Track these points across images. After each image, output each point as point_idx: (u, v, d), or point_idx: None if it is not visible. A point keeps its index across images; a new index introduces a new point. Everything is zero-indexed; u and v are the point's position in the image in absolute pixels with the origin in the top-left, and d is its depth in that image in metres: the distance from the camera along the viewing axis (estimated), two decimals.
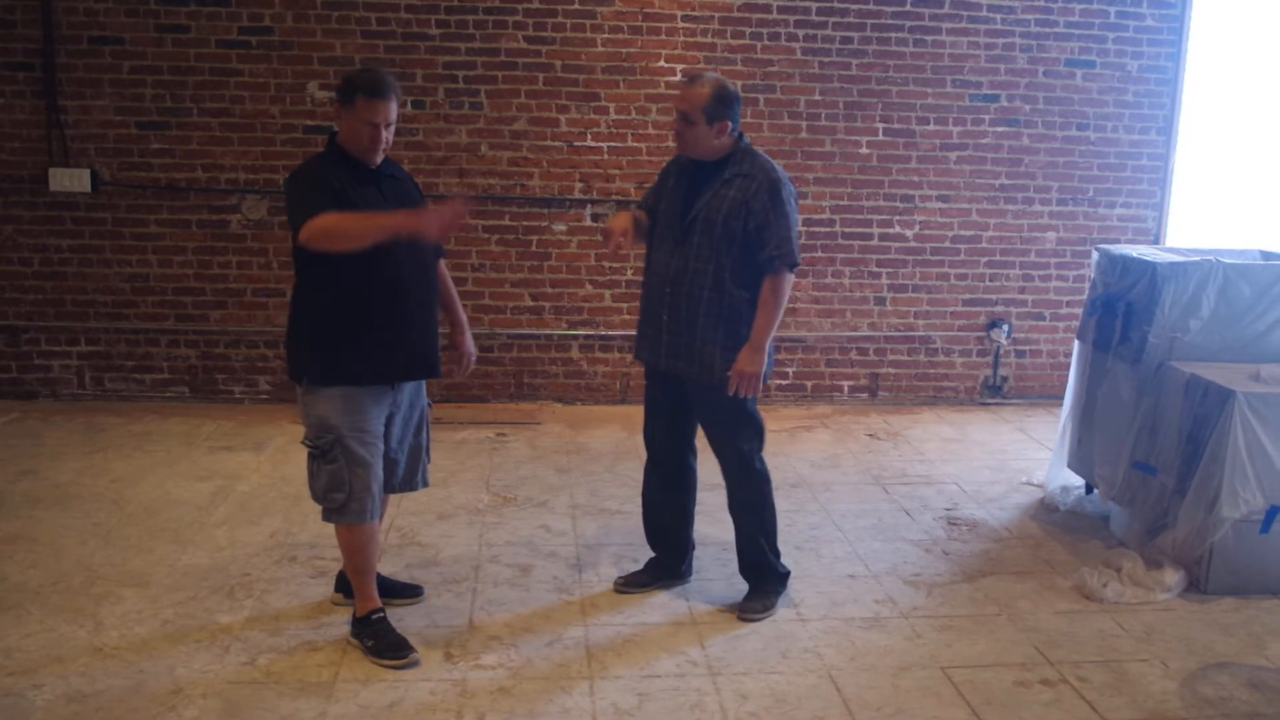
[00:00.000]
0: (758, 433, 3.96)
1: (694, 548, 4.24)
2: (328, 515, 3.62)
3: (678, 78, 6.43)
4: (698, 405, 3.98)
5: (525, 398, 6.76)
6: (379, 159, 3.52)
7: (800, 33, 6.52)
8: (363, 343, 3.47)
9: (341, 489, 3.53)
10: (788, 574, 4.13)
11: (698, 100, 3.71)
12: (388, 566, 4.16)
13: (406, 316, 3.55)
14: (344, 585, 3.90)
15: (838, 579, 4.33)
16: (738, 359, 3.76)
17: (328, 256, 3.33)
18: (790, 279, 3.80)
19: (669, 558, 4.19)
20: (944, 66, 6.65)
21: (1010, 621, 3.99)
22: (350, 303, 3.44)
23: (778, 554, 4.08)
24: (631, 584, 4.16)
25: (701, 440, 4.07)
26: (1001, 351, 7.02)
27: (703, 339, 3.80)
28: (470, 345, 3.97)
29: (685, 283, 3.79)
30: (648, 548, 4.25)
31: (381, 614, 3.65)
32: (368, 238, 3.30)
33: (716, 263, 3.75)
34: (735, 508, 4.04)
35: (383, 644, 3.58)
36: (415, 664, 3.55)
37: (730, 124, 3.75)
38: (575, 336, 6.74)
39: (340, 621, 3.80)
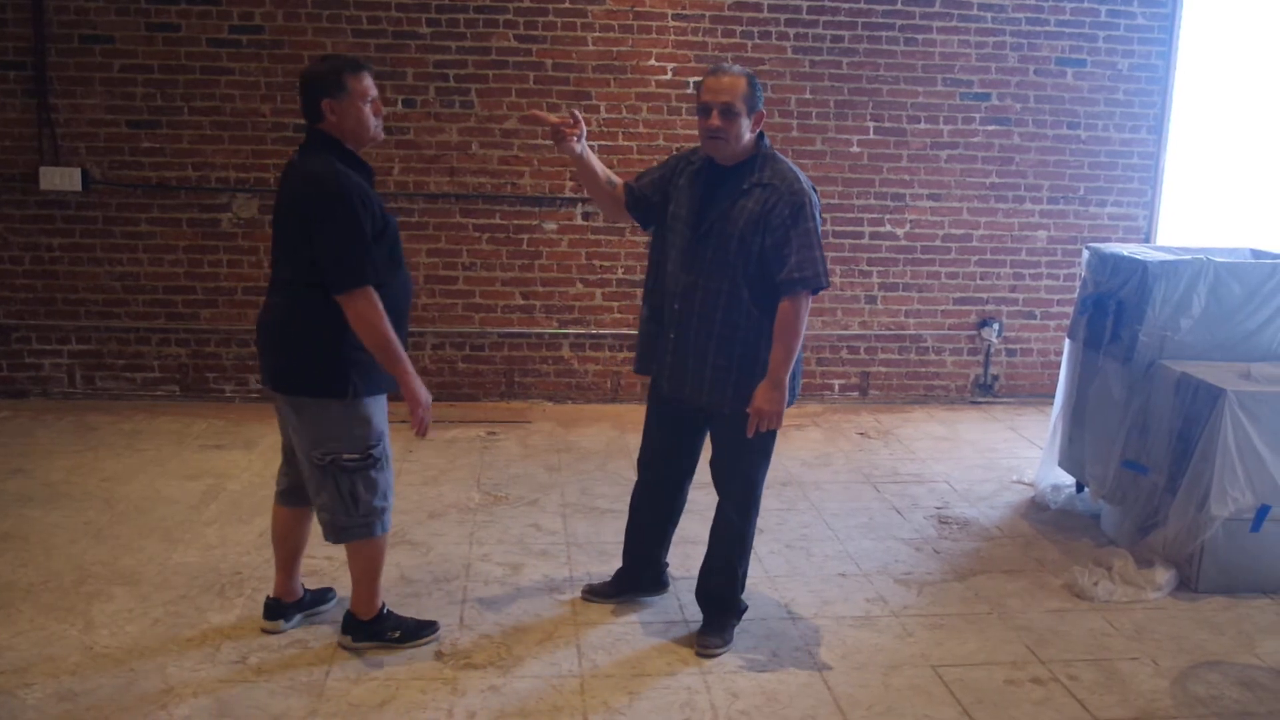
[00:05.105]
0: (768, 463, 3.71)
1: (667, 565, 4.12)
2: (361, 531, 3.48)
3: (669, 76, 6.43)
4: (713, 431, 3.71)
5: (516, 396, 6.76)
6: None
7: (791, 31, 6.52)
8: None
9: (388, 495, 3.52)
10: (746, 609, 3.83)
11: (739, 89, 3.39)
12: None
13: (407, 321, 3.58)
14: (275, 612, 3.73)
15: (828, 577, 4.33)
16: (755, 395, 3.45)
17: None
18: (809, 303, 3.46)
19: (639, 572, 4.06)
20: (935, 65, 6.65)
21: (1001, 620, 4.00)
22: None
23: (744, 588, 3.81)
24: (597, 594, 4.05)
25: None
26: (992, 350, 7.03)
27: (714, 366, 3.51)
28: None
29: (696, 301, 3.49)
30: None
31: (386, 607, 3.67)
32: (384, 361, 3.31)
33: (732, 280, 3.44)
34: (722, 531, 3.75)
35: (409, 629, 3.65)
36: (438, 630, 3.72)
37: (763, 112, 3.52)
38: (566, 335, 6.73)
39: (330, 620, 3.80)
